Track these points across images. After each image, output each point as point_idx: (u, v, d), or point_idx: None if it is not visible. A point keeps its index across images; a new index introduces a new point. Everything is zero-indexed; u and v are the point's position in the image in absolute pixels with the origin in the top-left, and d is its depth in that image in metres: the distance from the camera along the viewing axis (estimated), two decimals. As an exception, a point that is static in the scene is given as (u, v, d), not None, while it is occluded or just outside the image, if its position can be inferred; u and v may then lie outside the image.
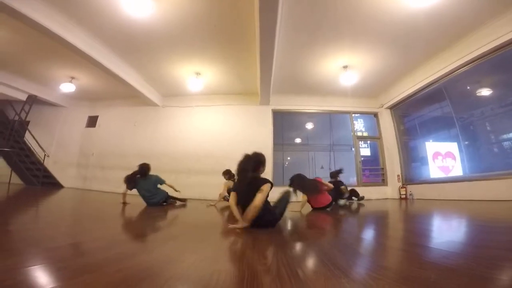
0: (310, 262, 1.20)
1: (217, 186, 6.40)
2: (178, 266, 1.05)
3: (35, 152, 7.75)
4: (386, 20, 4.38)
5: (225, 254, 1.34)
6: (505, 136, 5.29)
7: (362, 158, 7.83)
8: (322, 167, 9.27)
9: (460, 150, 5.85)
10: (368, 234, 2.11)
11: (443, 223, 2.61)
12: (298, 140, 10.06)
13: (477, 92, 5.55)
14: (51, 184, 7.43)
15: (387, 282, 0.85)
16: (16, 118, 7.62)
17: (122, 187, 4.19)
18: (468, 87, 5.73)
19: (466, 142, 5.75)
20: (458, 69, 5.19)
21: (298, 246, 1.59)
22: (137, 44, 5.33)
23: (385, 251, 1.45)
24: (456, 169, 6.01)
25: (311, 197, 3.79)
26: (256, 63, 5.68)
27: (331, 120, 9.21)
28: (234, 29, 4.75)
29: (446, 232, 2.09)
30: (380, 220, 2.99)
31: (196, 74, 6.49)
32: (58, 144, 8.16)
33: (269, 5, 3.52)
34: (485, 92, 5.42)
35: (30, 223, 2.06)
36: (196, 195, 6.66)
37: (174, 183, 4.75)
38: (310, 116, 8.92)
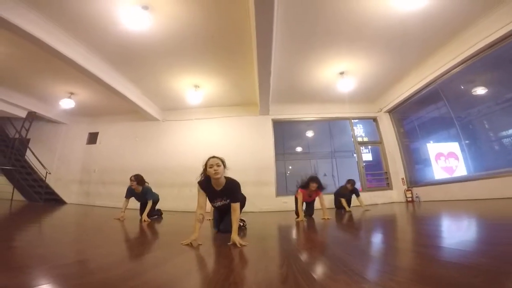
0: (327, 268, 1.17)
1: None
2: (193, 277, 1.03)
3: (36, 170, 7.71)
4: (378, 26, 4.46)
5: (239, 265, 1.31)
6: (505, 133, 5.30)
7: (365, 164, 7.79)
8: (325, 175, 9.21)
9: (462, 150, 5.85)
10: (382, 238, 2.07)
11: (454, 223, 2.57)
12: (299, 149, 10.05)
13: (472, 91, 5.60)
14: (54, 200, 7.36)
15: (410, 284, 0.83)
16: (17, 135, 7.61)
17: None
18: (464, 87, 5.78)
19: (467, 141, 5.75)
20: (452, 69, 5.27)
21: (312, 253, 1.56)
22: (134, 57, 5.36)
23: (402, 254, 1.42)
24: (460, 169, 5.99)
25: None
26: (254, 73, 5.74)
27: (330, 127, 9.24)
28: (231, 41, 4.81)
29: (459, 232, 2.06)
30: (391, 224, 2.95)
31: (195, 86, 6.54)
32: (59, 161, 8.13)
33: (265, 10, 3.55)
34: (481, 90, 5.47)
35: (36, 240, 2.03)
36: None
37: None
38: (309, 124, 8.94)
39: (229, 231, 2.13)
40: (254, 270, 1.17)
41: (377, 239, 2.05)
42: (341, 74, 6.00)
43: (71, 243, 2.00)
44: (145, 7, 3.94)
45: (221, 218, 2.57)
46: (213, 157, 2.17)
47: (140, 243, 2.17)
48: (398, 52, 5.31)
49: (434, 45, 5.14)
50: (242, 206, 2.52)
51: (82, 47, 4.98)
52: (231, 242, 1.79)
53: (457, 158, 6.13)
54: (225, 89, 6.78)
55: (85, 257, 1.47)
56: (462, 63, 5.01)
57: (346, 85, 6.11)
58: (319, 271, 1.13)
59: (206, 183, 2.19)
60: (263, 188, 6.76)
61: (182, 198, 6.70)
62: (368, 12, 4.15)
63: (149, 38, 4.71)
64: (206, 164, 2.15)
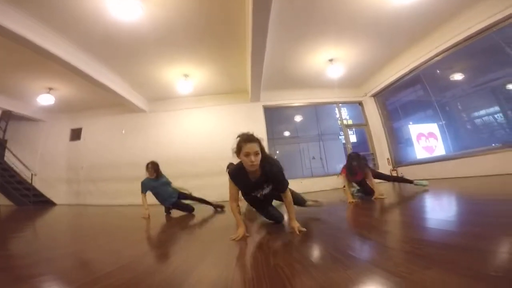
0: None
1: (216, 187, 6.45)
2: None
3: (19, 172, 7.32)
4: (368, 15, 4.63)
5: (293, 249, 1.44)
6: (478, 114, 5.82)
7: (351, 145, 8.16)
8: (313, 158, 9.56)
9: (442, 130, 6.32)
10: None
11: (445, 200, 2.87)
12: (287, 133, 10.27)
13: (450, 76, 6.04)
14: (42, 202, 7.10)
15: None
16: (-7, 137, 7.15)
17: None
18: (443, 72, 6.19)
19: (445, 122, 6.22)
20: (434, 57, 5.66)
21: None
22: (120, 48, 5.13)
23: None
24: (439, 148, 6.49)
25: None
26: (245, 60, 5.75)
27: (317, 112, 9.49)
28: (223, 28, 4.74)
29: (444, 208, 2.33)
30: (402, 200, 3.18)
31: (185, 76, 6.41)
32: (43, 161, 7.74)
33: (263, 4, 3.59)
34: (458, 76, 5.92)
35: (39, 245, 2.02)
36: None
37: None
38: (297, 109, 9.11)
39: (279, 221, 2.06)
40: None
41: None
42: (330, 61, 6.15)
43: (87, 250, 1.92)
44: (136, -4, 3.77)
45: (263, 209, 2.11)
46: (250, 140, 1.66)
47: (159, 242, 2.22)
48: (386, 40, 5.55)
49: (419, 35, 5.45)
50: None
51: (64, 40, 4.69)
52: (290, 230, 1.69)
53: (436, 138, 6.61)
54: (215, 77, 6.71)
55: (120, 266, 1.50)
56: (444, 52, 5.42)
57: (335, 72, 6.28)
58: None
59: (240, 174, 1.76)
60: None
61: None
62: (362, 2, 4.30)
63: (137, 28, 4.50)
64: (239, 149, 1.68)
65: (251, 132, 1.73)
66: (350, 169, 3.53)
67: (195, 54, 5.59)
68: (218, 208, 4.05)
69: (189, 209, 3.93)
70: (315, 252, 1.35)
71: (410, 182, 3.74)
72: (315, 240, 1.57)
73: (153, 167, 3.89)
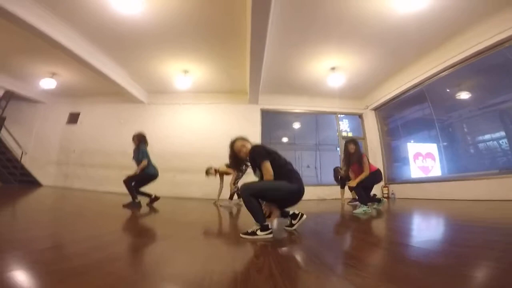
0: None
1: (203, 185, 6.35)
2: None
3: (11, 149, 7.36)
4: (374, 24, 4.50)
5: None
6: (482, 138, 5.52)
7: (347, 158, 7.99)
8: (308, 166, 9.40)
9: (440, 151, 6.12)
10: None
11: (427, 222, 2.73)
12: (285, 139, 10.14)
13: (456, 95, 5.79)
14: (29, 182, 7.10)
15: (374, 280, 0.89)
16: (-9, 113, 7.22)
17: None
18: (449, 90, 5.98)
19: (445, 143, 6.01)
20: (440, 73, 5.42)
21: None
22: (124, 40, 5.18)
23: (370, 250, 1.50)
24: (435, 169, 6.29)
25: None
26: (245, 61, 5.68)
27: (317, 121, 9.36)
28: (225, 27, 4.71)
29: (429, 231, 2.19)
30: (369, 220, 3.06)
31: (184, 72, 6.39)
32: (37, 141, 7.78)
33: (262, 6, 3.53)
34: (464, 95, 5.63)
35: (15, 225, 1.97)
36: (182, 194, 6.59)
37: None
38: (297, 116, 9.00)
39: None
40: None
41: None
42: (332, 69, 6.04)
43: (54, 227, 1.95)
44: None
45: None
46: (234, 142, 2.14)
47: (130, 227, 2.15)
48: (391, 52, 5.40)
49: (426, 48, 5.25)
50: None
51: (69, 29, 4.77)
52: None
53: (434, 159, 6.41)
54: (215, 76, 6.67)
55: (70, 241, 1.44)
56: (450, 68, 5.17)
57: (336, 81, 6.17)
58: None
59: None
60: (250, 177, 6.77)
61: (164, 183, 6.62)
62: (367, 11, 4.18)
63: (141, 22, 4.55)
64: (237, 150, 2.12)
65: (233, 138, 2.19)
66: (347, 156, 3.42)
67: (196, 52, 5.58)
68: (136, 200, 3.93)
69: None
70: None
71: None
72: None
73: (137, 137, 4.27)
